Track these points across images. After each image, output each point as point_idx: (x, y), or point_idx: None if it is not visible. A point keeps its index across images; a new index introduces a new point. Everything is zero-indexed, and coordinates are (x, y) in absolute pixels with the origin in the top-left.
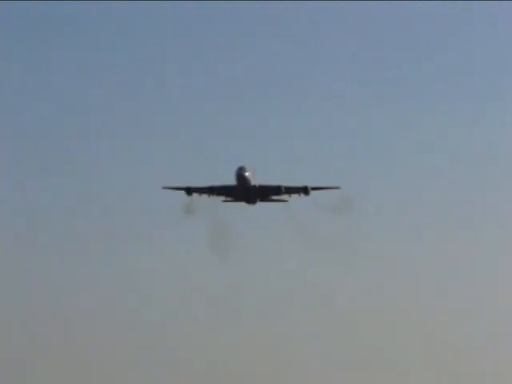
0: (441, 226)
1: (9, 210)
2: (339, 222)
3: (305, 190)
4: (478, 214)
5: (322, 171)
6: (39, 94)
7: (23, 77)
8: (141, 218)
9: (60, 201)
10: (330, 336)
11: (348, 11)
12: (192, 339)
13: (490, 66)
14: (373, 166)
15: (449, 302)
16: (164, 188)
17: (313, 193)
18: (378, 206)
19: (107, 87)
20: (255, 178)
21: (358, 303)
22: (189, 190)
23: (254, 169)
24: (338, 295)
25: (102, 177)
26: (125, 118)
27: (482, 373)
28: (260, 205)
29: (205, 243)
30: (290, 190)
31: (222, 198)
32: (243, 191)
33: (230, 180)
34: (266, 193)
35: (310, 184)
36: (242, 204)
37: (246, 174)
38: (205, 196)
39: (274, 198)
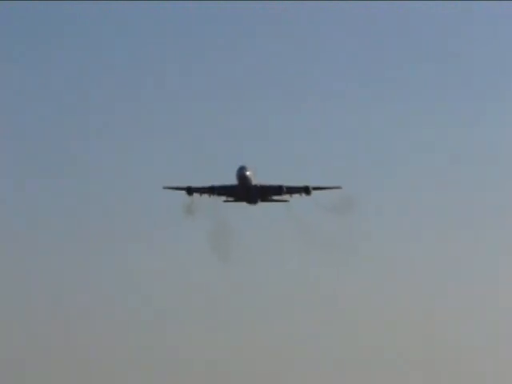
0: (441, 225)
1: (9, 210)
2: (339, 222)
3: (306, 190)
4: (477, 213)
5: (321, 171)
6: (39, 94)
7: (23, 77)
8: (141, 218)
9: (60, 201)
10: (329, 336)
11: (348, 11)
12: (192, 339)
13: (490, 66)
14: (373, 166)
15: (449, 301)
16: (164, 188)
17: (314, 193)
18: (377, 205)
19: (107, 87)
20: (256, 178)
21: (358, 303)
22: (189, 190)
23: (254, 169)
24: (338, 295)
25: (101, 177)
26: (125, 118)
27: (482, 373)
28: (261, 205)
29: (205, 243)
30: (291, 190)
31: (223, 197)
32: (244, 191)
33: (231, 180)
34: (267, 192)
35: (310, 184)
36: (243, 204)
37: (247, 173)
38: (205, 196)
39: (275, 198)
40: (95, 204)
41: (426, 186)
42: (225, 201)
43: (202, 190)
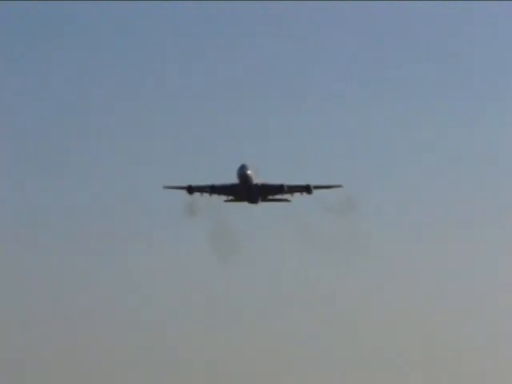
0: (441, 226)
1: (9, 210)
2: (339, 222)
3: (307, 189)
4: (477, 213)
5: (321, 171)
6: (39, 94)
7: (23, 77)
8: (141, 218)
9: (60, 201)
10: (329, 336)
11: (348, 11)
12: (192, 339)
13: (490, 66)
14: (373, 166)
15: (449, 301)
16: (165, 187)
17: (315, 191)
18: (377, 205)
19: (107, 87)
20: (257, 177)
21: (358, 303)
22: (190, 189)
23: (256, 168)
24: (338, 295)
25: (101, 177)
26: (125, 118)
27: (482, 373)
28: (261, 205)
29: (206, 243)
30: (293, 189)
31: (224, 197)
32: (245, 190)
33: (232, 180)
34: (268, 191)
35: (311, 183)
36: (244, 204)
37: (248, 172)
38: (206, 195)
39: (277, 197)
40: (95, 204)
41: (426, 186)
42: (225, 200)
43: (202, 189)
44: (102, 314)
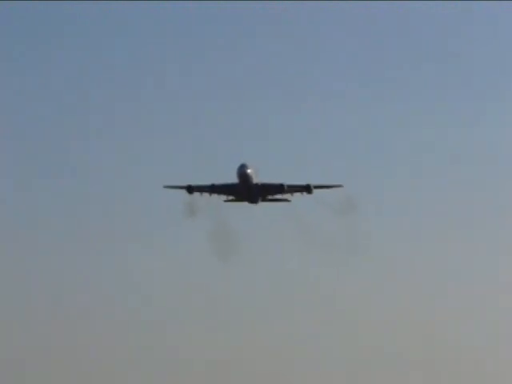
0: (441, 226)
1: (9, 210)
2: (340, 222)
3: (307, 189)
4: (477, 214)
5: (321, 171)
6: (39, 94)
7: (23, 77)
8: (141, 218)
9: (60, 201)
10: (329, 336)
11: (348, 11)
12: (192, 339)
13: (490, 66)
14: (373, 166)
15: (449, 301)
16: (165, 187)
17: (315, 191)
18: (377, 205)
19: (107, 87)
20: (257, 177)
21: (358, 303)
22: (190, 189)
23: (256, 168)
24: (338, 295)
25: (101, 177)
26: (125, 118)
27: (482, 373)
28: (262, 204)
29: (206, 243)
30: (293, 189)
31: (224, 196)
32: (245, 189)
33: (232, 180)
34: (268, 191)
35: (311, 182)
36: (244, 204)
37: (248, 171)
38: (206, 195)
39: (277, 197)
40: (95, 204)
41: (426, 185)
42: (225, 200)
43: (202, 189)
44: (102, 313)
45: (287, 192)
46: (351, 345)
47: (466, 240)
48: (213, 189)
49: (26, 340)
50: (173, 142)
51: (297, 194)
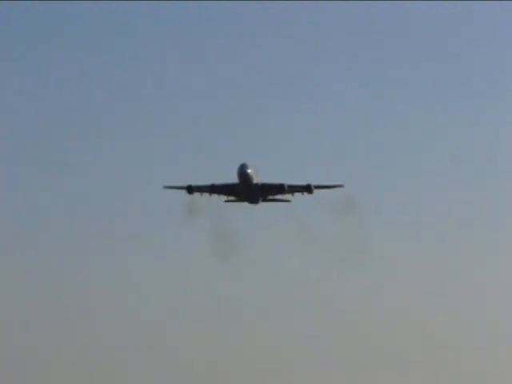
0: (441, 226)
1: (9, 210)
2: (340, 222)
3: (308, 189)
4: (477, 214)
5: (321, 172)
6: (39, 94)
7: (23, 77)
8: (141, 218)
9: (60, 201)
10: (329, 336)
11: (348, 11)
12: (192, 339)
13: (490, 66)
14: (373, 166)
15: (449, 301)
16: (165, 187)
17: (315, 191)
18: (377, 205)
19: (107, 87)
20: (258, 177)
21: (358, 303)
22: (190, 189)
23: (256, 168)
24: (338, 295)
25: (101, 177)
26: (125, 118)
27: (482, 373)
28: (262, 205)
29: (206, 243)
30: (293, 189)
31: (224, 197)
32: (245, 189)
33: (232, 180)
34: (268, 191)
35: (311, 182)
36: (244, 204)
37: (248, 170)
38: (206, 195)
39: (277, 197)
40: (95, 204)
41: (426, 185)
42: (226, 201)
43: (202, 189)
44: (102, 313)
45: (287, 192)
46: (351, 345)
47: (465, 240)
48: (213, 189)
49: (26, 340)
50: (173, 141)
51: (297, 194)
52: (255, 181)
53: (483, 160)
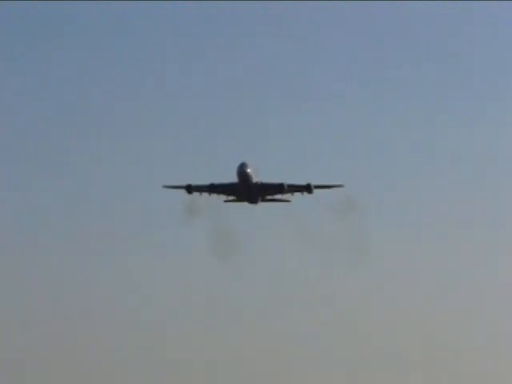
0: (441, 225)
1: (9, 210)
2: (340, 222)
3: (308, 188)
4: (477, 213)
5: (321, 172)
6: (39, 94)
7: (23, 77)
8: (141, 218)
9: (60, 201)
10: (329, 336)
11: (348, 11)
12: (192, 339)
13: (490, 66)
14: (373, 166)
15: (449, 301)
16: (164, 187)
17: (315, 191)
18: (377, 205)
19: (107, 87)
20: (257, 176)
21: (358, 303)
22: (189, 188)
23: (255, 167)
24: (338, 295)
25: (101, 177)
26: (125, 118)
27: (482, 373)
28: (262, 204)
29: (205, 243)
30: (293, 188)
31: (224, 196)
32: (245, 189)
33: (231, 180)
34: (268, 191)
35: (311, 182)
36: (244, 204)
37: (248, 170)
38: (206, 195)
39: (277, 197)
40: (95, 204)
41: (426, 185)
42: (225, 201)
43: (201, 189)
44: (102, 313)
45: (287, 192)
46: (351, 345)
47: (466, 240)
48: (212, 188)
49: (26, 340)
50: (173, 141)
51: (297, 194)
52: (255, 180)
53: (483, 160)
